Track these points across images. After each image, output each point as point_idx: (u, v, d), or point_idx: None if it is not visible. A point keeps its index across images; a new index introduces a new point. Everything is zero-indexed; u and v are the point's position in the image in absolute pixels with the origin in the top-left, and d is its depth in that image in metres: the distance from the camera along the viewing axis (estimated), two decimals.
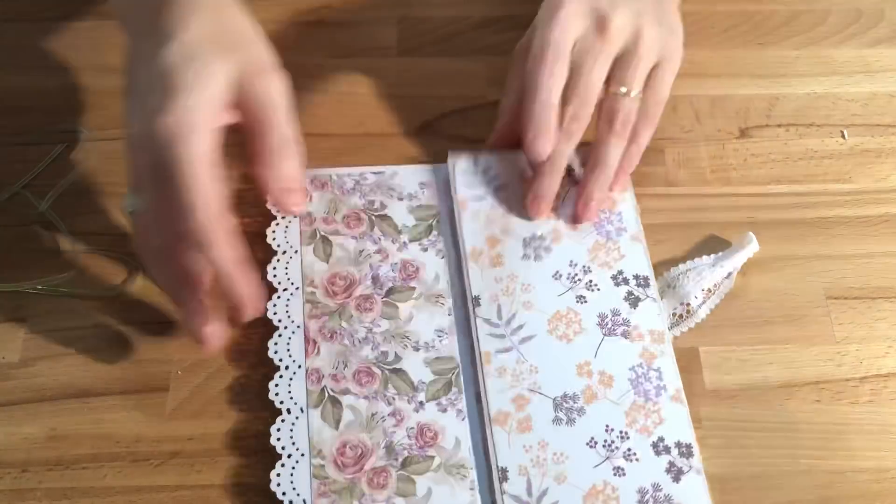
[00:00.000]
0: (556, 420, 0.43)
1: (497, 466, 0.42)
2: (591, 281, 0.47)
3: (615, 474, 0.42)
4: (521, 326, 0.46)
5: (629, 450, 0.43)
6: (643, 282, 0.47)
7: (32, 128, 0.53)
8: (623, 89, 0.47)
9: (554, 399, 0.44)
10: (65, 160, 0.52)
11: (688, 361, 0.46)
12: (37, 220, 0.50)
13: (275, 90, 0.42)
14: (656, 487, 0.42)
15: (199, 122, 0.39)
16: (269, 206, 0.49)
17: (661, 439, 0.43)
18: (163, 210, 0.40)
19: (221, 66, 0.40)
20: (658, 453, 0.42)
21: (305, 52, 0.57)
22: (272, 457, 0.43)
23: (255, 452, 0.43)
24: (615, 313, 0.46)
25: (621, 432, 0.43)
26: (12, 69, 0.56)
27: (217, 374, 0.46)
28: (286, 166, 0.43)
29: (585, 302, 0.47)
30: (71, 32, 0.58)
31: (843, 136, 0.54)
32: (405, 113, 0.55)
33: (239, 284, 0.41)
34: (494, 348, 0.45)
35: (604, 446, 0.43)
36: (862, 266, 0.49)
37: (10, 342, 0.46)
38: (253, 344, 0.46)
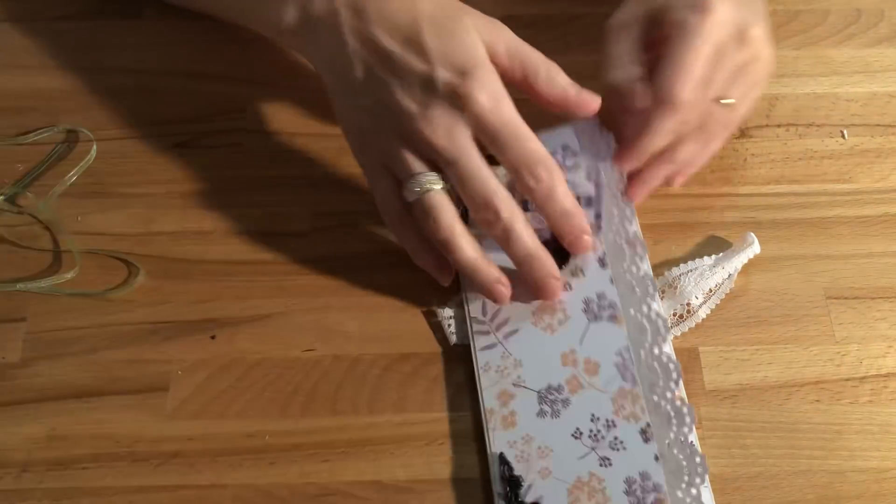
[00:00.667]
0: (541, 413, 0.43)
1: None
2: (576, 266, 0.47)
3: (601, 465, 0.41)
4: (505, 321, 0.46)
5: (616, 438, 0.42)
6: None
7: (32, 128, 0.53)
8: (724, 100, 0.46)
9: (538, 392, 0.44)
10: (65, 160, 0.52)
11: (688, 361, 0.46)
12: (37, 220, 0.50)
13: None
14: (644, 476, 0.41)
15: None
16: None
17: (649, 425, 0.42)
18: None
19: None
20: (646, 440, 0.42)
21: None
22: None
23: (257, 452, 0.43)
24: (601, 297, 0.46)
25: (607, 420, 0.42)
26: (12, 69, 0.56)
27: (217, 374, 0.46)
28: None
29: (570, 289, 0.46)
30: (71, 32, 0.58)
31: (843, 136, 0.54)
32: None
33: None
34: (480, 345, 0.45)
35: (589, 437, 0.42)
36: (862, 266, 0.49)
37: (10, 342, 0.46)
38: (256, 342, 0.46)
